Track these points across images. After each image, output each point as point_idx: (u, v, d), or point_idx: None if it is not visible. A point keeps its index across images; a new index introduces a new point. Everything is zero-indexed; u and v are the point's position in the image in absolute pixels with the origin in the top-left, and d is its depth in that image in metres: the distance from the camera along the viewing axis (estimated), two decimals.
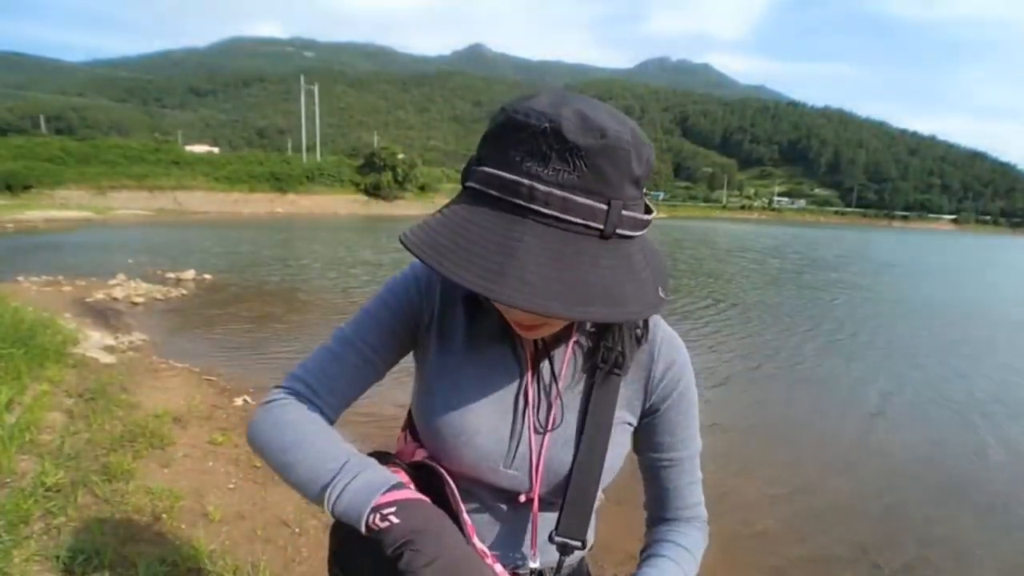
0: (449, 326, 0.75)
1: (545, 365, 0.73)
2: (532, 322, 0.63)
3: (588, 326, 0.73)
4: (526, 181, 0.51)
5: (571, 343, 0.73)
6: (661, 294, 0.57)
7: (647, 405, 0.75)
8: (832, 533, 3.18)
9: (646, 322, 0.74)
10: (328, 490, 0.60)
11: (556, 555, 0.72)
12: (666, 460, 0.77)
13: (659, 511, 0.80)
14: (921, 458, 4.30)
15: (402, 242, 0.53)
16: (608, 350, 0.71)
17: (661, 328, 0.76)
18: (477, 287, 0.49)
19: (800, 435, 4.68)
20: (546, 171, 0.51)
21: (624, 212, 0.53)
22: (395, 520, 0.55)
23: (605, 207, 0.52)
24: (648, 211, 0.58)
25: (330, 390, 0.72)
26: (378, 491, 0.58)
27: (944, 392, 5.88)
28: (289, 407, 0.69)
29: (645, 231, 0.58)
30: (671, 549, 0.75)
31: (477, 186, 0.55)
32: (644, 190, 0.57)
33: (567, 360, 0.73)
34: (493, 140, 0.54)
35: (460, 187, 0.60)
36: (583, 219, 0.52)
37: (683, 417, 0.76)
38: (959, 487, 3.84)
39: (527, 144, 0.51)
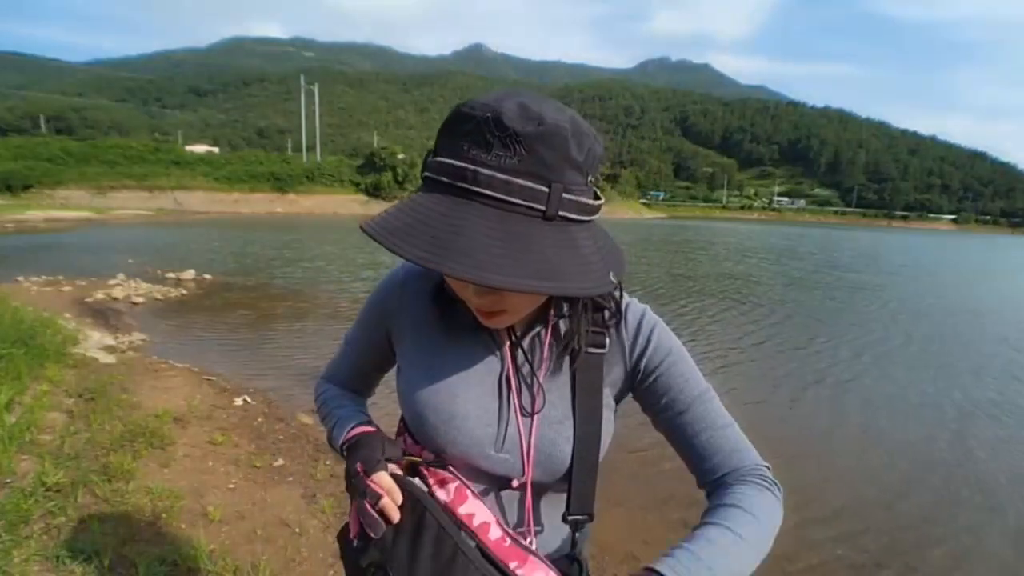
0: (423, 322, 0.78)
1: (523, 350, 0.75)
2: (490, 308, 0.66)
3: (564, 310, 0.73)
4: (471, 166, 0.55)
5: (548, 328, 0.74)
6: (612, 278, 0.60)
7: (629, 370, 0.76)
8: (835, 535, 3.18)
9: (618, 305, 0.75)
10: (331, 436, 0.83)
11: (557, 538, 0.77)
12: (673, 413, 0.74)
13: (702, 475, 0.73)
14: (929, 458, 4.30)
15: (361, 228, 0.57)
16: (573, 332, 0.72)
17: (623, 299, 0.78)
18: (421, 260, 0.53)
19: (807, 437, 4.68)
20: (489, 157, 0.55)
21: (566, 195, 0.57)
22: (347, 451, 0.77)
23: (546, 189, 0.56)
24: (596, 198, 0.61)
25: (343, 384, 0.93)
26: (344, 430, 0.79)
27: (968, 392, 5.87)
28: (319, 386, 0.95)
29: (594, 217, 0.61)
30: (719, 514, 0.65)
31: (430, 175, 0.59)
32: (591, 178, 0.60)
33: (547, 345, 0.75)
34: (445, 132, 0.59)
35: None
36: (524, 200, 0.55)
37: (668, 365, 0.74)
38: (967, 488, 3.85)
39: (473, 134, 0.56)
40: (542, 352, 0.75)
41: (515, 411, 0.73)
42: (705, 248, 25.10)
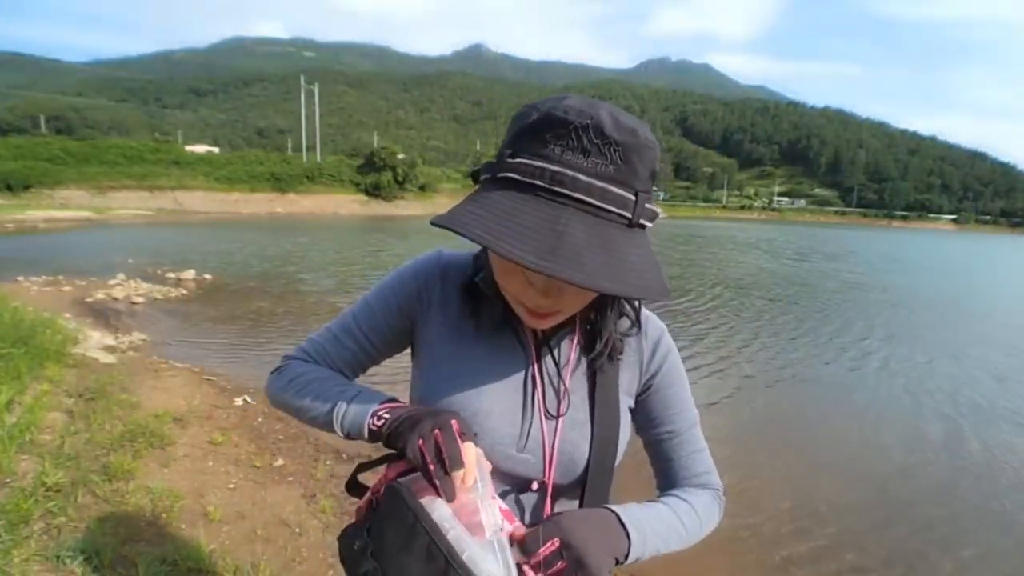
0: (452, 317, 0.77)
1: (549, 352, 0.76)
2: (545, 311, 0.66)
3: (592, 315, 0.75)
4: (569, 172, 0.55)
5: (575, 331, 0.76)
6: (665, 280, 0.62)
7: (642, 382, 0.79)
8: (835, 535, 3.18)
9: (638, 315, 0.78)
10: (334, 411, 0.70)
11: None
12: (666, 433, 0.80)
13: (667, 485, 0.81)
14: (930, 461, 4.30)
15: (443, 226, 0.56)
16: (605, 337, 0.74)
17: (642, 311, 0.81)
18: (535, 265, 0.52)
19: (808, 437, 4.68)
20: (586, 163, 0.56)
21: (647, 205, 0.59)
22: (387, 416, 0.66)
23: (633, 198, 0.58)
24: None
25: (329, 367, 0.80)
26: (376, 401, 0.69)
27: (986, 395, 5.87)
28: (296, 366, 0.79)
29: (654, 223, 0.63)
30: (668, 498, 0.77)
31: (517, 176, 0.58)
32: (654, 186, 0.62)
33: (573, 347, 0.76)
34: (530, 134, 0.58)
35: (476, 179, 0.64)
36: (617, 208, 0.57)
37: (675, 389, 0.80)
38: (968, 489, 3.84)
39: (567, 139, 0.56)
40: (568, 354, 0.75)
41: (539, 411, 0.73)
42: (734, 249, 24.95)
